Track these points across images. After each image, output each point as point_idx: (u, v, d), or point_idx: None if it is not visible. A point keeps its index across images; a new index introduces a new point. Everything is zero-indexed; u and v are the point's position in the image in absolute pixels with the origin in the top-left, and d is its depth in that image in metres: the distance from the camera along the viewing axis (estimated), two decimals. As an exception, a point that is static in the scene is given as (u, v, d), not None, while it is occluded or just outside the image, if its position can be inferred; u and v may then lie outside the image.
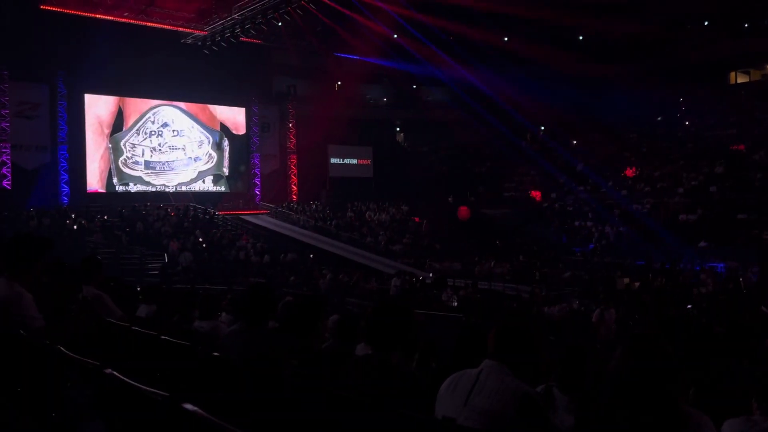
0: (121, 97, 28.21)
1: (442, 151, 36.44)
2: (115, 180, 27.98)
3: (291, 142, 33.99)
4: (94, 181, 27.52)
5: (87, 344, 3.56)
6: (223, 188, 31.38)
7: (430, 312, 13.14)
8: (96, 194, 27.12)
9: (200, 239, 23.06)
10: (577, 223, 26.44)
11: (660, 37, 28.55)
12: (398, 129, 39.21)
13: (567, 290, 17.44)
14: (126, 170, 28.30)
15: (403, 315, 2.81)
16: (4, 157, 25.09)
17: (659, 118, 31.45)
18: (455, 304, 14.98)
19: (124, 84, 27.02)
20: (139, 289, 6.71)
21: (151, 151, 29.02)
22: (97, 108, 27.76)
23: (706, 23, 29.06)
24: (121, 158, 28.18)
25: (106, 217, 24.05)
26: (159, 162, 29.20)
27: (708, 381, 3.76)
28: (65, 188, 26.36)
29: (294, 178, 33.99)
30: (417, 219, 30.69)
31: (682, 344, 5.44)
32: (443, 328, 10.33)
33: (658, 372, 2.15)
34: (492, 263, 22.38)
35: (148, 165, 28.87)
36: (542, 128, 35.62)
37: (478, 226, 28.00)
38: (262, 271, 20.53)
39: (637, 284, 17.42)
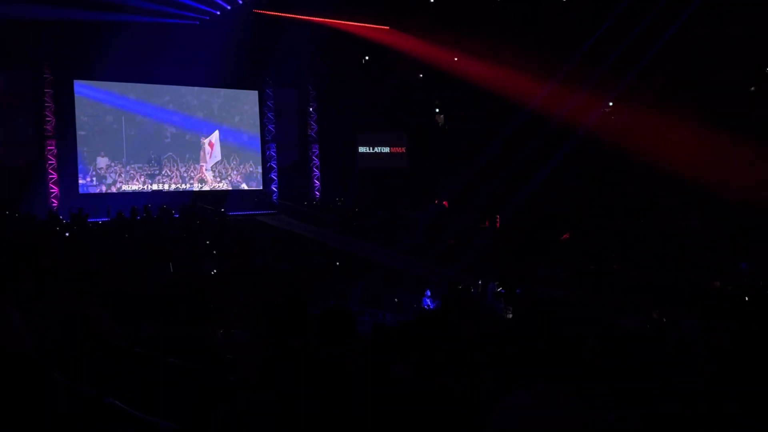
0: (115, 83, 28.78)
1: (490, 134, 36.09)
2: (110, 179, 28.54)
3: (312, 129, 34.19)
4: (88, 181, 28.10)
5: (82, 368, 3.62)
6: (234, 186, 31.75)
7: (477, 323, 13.03)
8: (90, 195, 27.66)
9: (208, 242, 23.38)
10: (651, 217, 26.04)
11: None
12: (437, 109, 39.05)
13: (644, 297, 17.18)
14: (121, 167, 28.83)
15: (449, 330, 2.79)
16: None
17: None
18: (510, 315, 14.85)
19: (118, 67, 27.43)
20: (141, 303, 6.81)
21: (149, 144, 29.54)
22: (88, 96, 28.33)
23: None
24: (116, 153, 28.77)
25: (101, 222, 24.51)
26: (159, 157, 29.70)
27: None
28: (54, 189, 26.97)
29: (316, 171, 34.19)
30: (446, 204, 30.69)
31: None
32: (496, 344, 10.25)
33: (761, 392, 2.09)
34: (553, 266, 22.19)
35: (147, 161, 29.38)
36: (610, 103, 35.10)
37: (536, 221, 27.74)
38: (281, 279, 20.68)
39: (730, 288, 17.04)
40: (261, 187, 32.69)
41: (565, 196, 29.81)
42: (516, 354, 3.33)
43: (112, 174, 28.58)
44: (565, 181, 31.43)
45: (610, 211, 27.43)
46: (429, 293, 17.78)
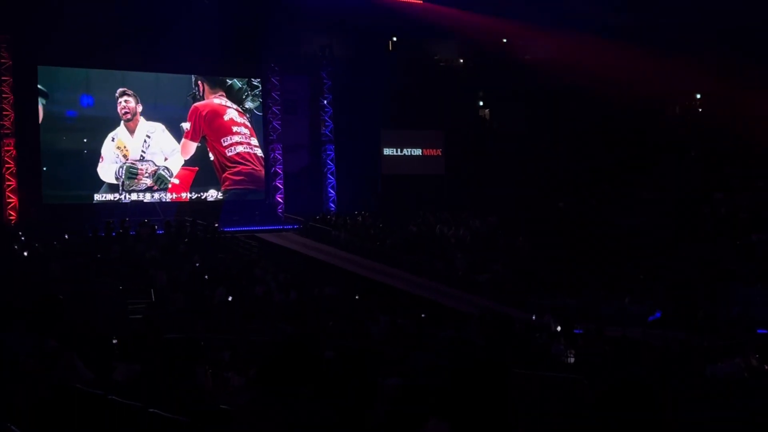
0: (88, 69, 29.16)
1: (549, 134, 36.02)
2: (80, 187, 28.87)
3: (326, 126, 34.28)
4: (53, 189, 28.47)
5: (44, 419, 3.66)
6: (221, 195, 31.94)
7: (533, 372, 12.96)
8: (54, 207, 27.92)
9: (198, 265, 23.54)
10: (755, 237, 25.71)
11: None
12: (482, 103, 39.02)
13: (741, 338, 16.96)
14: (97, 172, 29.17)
15: (497, 378, 2.77)
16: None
17: None
18: (572, 359, 14.77)
19: (92, 51, 27.77)
20: (116, 341, 6.86)
21: (129, 145, 29.83)
22: (55, 85, 28.73)
23: None
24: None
25: (68, 237, 24.74)
26: (140, 160, 29.97)
27: None
28: (12, 198, 27.28)
29: (331, 179, 34.25)
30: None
31: None
32: (554, 396, 10.19)
33: None
34: (627, 298, 22.00)
35: (127, 167, 29.66)
36: (698, 95, 34.87)
37: (605, 242, 27.53)
38: (287, 312, 20.71)
39: None
40: (263, 198, 32.85)
41: (643, 211, 29.55)
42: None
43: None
44: (644, 193, 31.20)
45: (701, 229, 27.14)
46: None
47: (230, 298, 21.10)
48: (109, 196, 29.22)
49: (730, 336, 17.22)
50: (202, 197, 31.19)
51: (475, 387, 2.73)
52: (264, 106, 32.91)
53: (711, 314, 20.23)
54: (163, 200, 30.27)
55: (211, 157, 31.45)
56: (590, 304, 22.35)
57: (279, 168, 33.06)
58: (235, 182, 31.99)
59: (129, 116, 29.67)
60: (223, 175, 31.68)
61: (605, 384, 2.52)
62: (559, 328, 17.60)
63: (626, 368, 13.40)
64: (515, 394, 2.82)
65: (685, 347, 15.27)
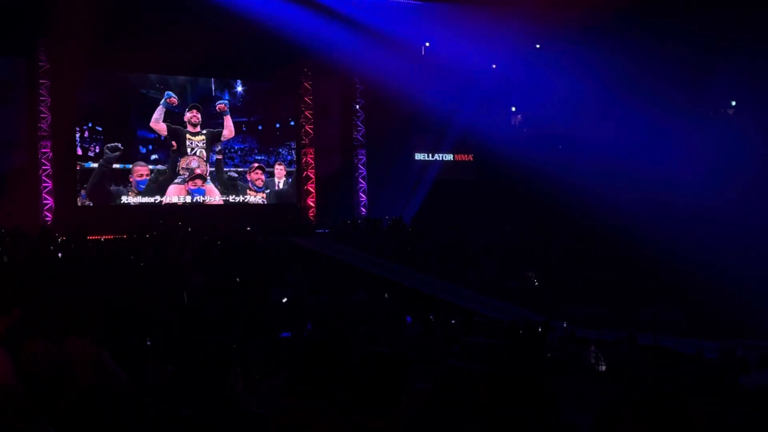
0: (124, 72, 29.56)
1: (585, 138, 35.70)
2: (114, 187, 29.16)
3: (358, 130, 34.35)
4: (88, 190, 28.78)
5: (78, 421, 3.69)
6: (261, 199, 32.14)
7: (565, 379, 12.91)
8: (90, 208, 28.26)
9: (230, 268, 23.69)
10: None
11: None
12: (513, 107, 38.83)
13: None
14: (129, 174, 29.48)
15: (533, 387, 2.75)
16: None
17: None
18: (603, 368, 14.66)
19: (126, 55, 28.10)
20: (149, 342, 6.92)
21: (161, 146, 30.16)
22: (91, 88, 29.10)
23: None
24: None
25: (103, 239, 24.98)
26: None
27: None
28: (48, 200, 27.63)
29: (363, 183, 34.30)
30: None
31: None
32: (586, 404, 10.12)
33: None
34: (658, 306, 21.85)
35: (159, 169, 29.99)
36: (733, 103, 34.47)
37: (636, 249, 27.31)
38: (318, 316, 20.76)
39: None
40: (295, 201, 33.01)
41: (674, 213, 29.25)
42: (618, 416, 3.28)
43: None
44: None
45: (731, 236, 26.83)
46: None
47: (285, 300, 21.32)
48: (145, 199, 29.51)
49: (764, 345, 16.99)
50: (236, 201, 31.45)
51: (512, 394, 2.71)
52: (296, 110, 33.07)
53: (744, 322, 20.03)
54: (197, 203, 30.56)
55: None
56: (621, 311, 22.22)
57: (311, 172, 33.19)
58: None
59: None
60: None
61: (640, 400, 2.48)
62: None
63: (660, 381, 13.28)
64: (552, 402, 2.80)
65: (721, 356, 15.08)
